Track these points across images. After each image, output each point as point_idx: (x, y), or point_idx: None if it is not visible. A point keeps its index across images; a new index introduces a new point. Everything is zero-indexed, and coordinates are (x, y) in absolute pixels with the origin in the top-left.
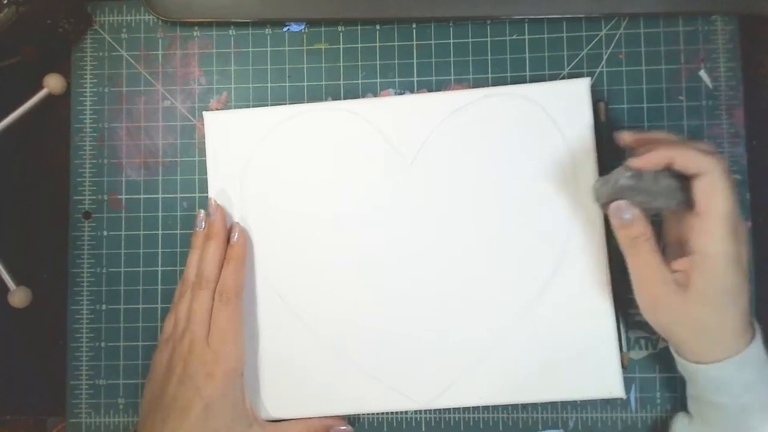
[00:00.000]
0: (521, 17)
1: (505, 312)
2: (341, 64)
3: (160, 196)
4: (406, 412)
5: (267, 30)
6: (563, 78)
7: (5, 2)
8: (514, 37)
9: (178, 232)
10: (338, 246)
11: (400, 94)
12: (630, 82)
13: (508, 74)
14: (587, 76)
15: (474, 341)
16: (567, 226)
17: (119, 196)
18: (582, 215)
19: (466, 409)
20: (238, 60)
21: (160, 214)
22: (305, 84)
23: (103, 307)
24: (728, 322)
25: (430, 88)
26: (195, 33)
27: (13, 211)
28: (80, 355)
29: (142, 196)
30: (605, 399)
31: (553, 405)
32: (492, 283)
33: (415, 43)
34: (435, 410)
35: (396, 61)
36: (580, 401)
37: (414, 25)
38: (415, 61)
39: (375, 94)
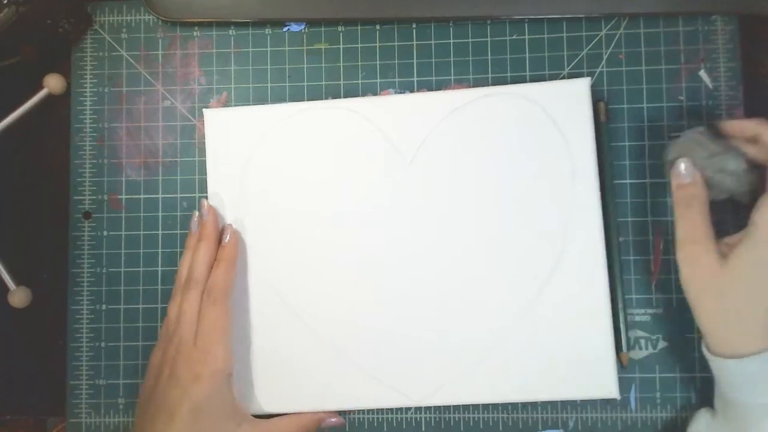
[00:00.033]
0: (521, 17)
1: (505, 312)
2: (341, 64)
3: (160, 196)
4: (406, 412)
5: (267, 30)
6: (563, 78)
7: (5, 2)
8: (514, 37)
9: (178, 232)
10: (338, 245)
11: (401, 93)
12: (630, 82)
13: (508, 74)
14: (587, 76)
15: (474, 341)
16: (566, 225)
17: (119, 196)
18: (582, 215)
19: (465, 409)
20: (238, 60)
21: (160, 214)
22: (305, 84)
23: (103, 307)
24: (761, 304)
25: (430, 88)
26: (195, 33)
27: (13, 211)
28: (80, 355)
29: (142, 196)
30: (605, 399)
31: (553, 405)
32: (492, 282)
33: (415, 43)
34: (435, 410)
35: (396, 61)
36: (580, 401)
37: (414, 25)
38: (415, 61)
39: (375, 94)
